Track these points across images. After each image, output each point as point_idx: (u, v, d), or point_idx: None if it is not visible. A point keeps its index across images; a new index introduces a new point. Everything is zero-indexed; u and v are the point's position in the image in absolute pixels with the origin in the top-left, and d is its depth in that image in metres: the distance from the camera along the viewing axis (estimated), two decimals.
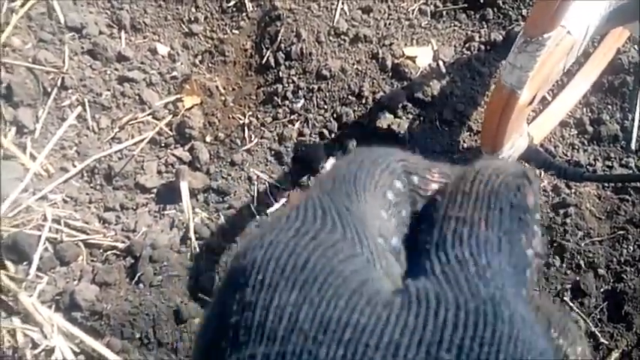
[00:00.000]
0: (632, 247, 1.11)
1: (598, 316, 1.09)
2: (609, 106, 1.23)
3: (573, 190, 1.17)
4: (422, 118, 1.24)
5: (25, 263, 1.13)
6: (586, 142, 1.22)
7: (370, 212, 0.20)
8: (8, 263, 1.12)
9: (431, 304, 0.17)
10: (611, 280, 1.10)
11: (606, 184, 1.17)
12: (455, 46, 1.32)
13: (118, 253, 1.15)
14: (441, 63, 1.29)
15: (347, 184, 0.20)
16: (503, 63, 1.27)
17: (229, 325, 0.17)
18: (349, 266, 0.18)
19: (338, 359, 0.16)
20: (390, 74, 1.28)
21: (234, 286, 0.18)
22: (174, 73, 1.33)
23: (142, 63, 1.34)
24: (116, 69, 1.33)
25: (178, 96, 1.31)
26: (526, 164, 1.19)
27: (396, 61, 1.28)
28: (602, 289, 1.10)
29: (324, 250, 0.18)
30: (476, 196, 0.20)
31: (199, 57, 1.36)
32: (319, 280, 0.17)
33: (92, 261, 1.15)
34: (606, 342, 1.06)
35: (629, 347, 1.06)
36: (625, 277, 1.09)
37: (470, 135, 1.24)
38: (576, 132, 1.23)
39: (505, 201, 0.20)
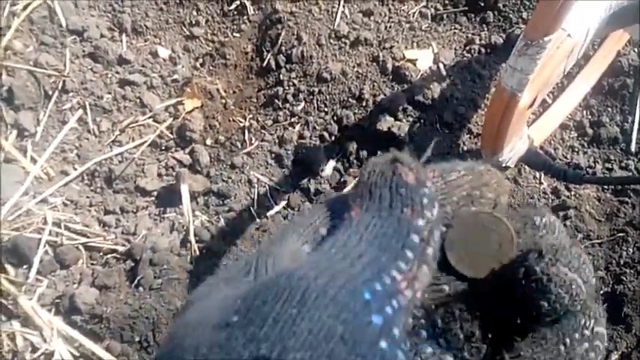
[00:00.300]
0: (631, 250, 1.12)
1: None
2: (609, 109, 1.24)
3: (573, 193, 1.18)
4: (422, 121, 1.25)
5: (25, 267, 1.14)
6: (586, 145, 1.23)
7: (289, 248, 0.23)
8: (8, 267, 1.13)
9: (242, 295, 0.20)
10: (611, 282, 1.11)
11: (606, 187, 1.18)
12: (455, 48, 1.33)
13: (118, 256, 1.16)
14: (441, 66, 1.30)
15: (282, 232, 0.24)
16: (503, 66, 1.28)
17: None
18: (220, 292, 0.22)
19: (167, 352, 0.20)
20: (391, 77, 1.29)
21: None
22: (175, 76, 1.34)
23: (143, 66, 1.35)
24: (117, 72, 1.34)
25: (179, 99, 1.32)
26: (526, 166, 1.20)
27: (396, 64, 1.30)
28: (601, 292, 1.10)
29: (217, 286, 0.23)
30: (360, 195, 0.23)
31: (200, 60, 1.37)
32: (196, 305, 0.22)
33: (92, 264, 1.16)
34: (605, 344, 1.07)
35: (629, 349, 1.07)
36: (624, 279, 1.10)
37: (470, 137, 1.25)
38: (576, 134, 1.24)
39: (383, 187, 0.22)
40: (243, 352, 0.18)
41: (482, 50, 1.32)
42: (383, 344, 0.19)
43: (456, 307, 0.23)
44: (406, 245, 0.21)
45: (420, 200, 0.22)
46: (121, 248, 1.16)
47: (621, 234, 1.14)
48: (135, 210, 1.21)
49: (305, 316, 0.19)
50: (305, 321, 0.19)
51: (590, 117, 1.25)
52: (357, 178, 0.24)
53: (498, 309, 0.23)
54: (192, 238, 1.17)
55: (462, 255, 0.24)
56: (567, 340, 0.23)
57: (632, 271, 1.11)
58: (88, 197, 1.23)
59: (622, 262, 1.13)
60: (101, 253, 1.16)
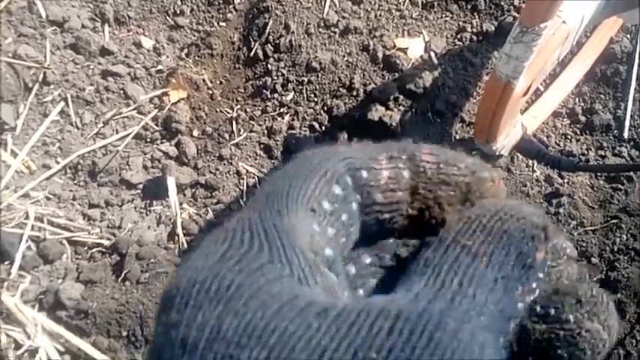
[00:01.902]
0: (625, 236, 1.17)
1: None
2: (602, 96, 1.29)
3: (566, 180, 1.22)
4: (414, 110, 1.29)
5: (6, 262, 1.16)
6: (579, 132, 1.27)
7: (301, 226, 0.20)
8: None
9: (371, 314, 0.17)
10: (605, 269, 1.15)
11: (599, 174, 1.22)
12: (447, 37, 1.37)
13: (103, 250, 1.18)
14: (432, 54, 1.34)
15: (278, 199, 0.20)
16: (496, 54, 1.32)
17: (155, 347, 0.18)
18: (277, 286, 0.18)
19: None
20: (381, 66, 1.32)
21: (162, 311, 0.19)
22: (160, 67, 1.37)
23: (127, 57, 1.37)
24: (99, 63, 1.36)
25: (164, 90, 1.35)
26: (519, 154, 1.24)
27: (387, 52, 1.33)
28: (595, 278, 1.14)
29: (249, 272, 0.18)
30: (489, 231, 0.20)
31: (185, 50, 1.40)
32: (245, 296, 0.18)
33: (77, 259, 1.18)
34: None
35: (622, 335, 1.11)
36: (618, 265, 1.14)
37: (462, 126, 1.29)
38: (569, 122, 1.29)
39: (515, 246, 0.20)
40: None
41: (474, 38, 1.36)
42: None
43: None
44: (502, 333, 0.20)
45: (532, 286, 0.21)
46: (106, 242, 1.18)
47: (615, 221, 1.19)
48: (120, 203, 1.24)
49: None
50: None
51: (582, 104, 1.29)
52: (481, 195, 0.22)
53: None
54: (179, 231, 1.19)
55: None
56: None
57: (625, 258, 1.16)
58: (71, 191, 1.25)
59: (616, 248, 1.17)
60: (86, 248, 1.18)
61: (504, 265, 0.20)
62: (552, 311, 0.21)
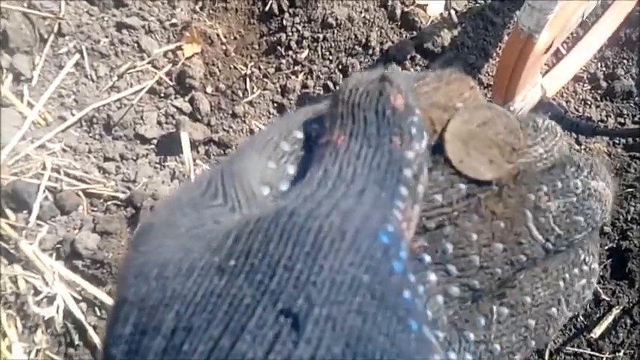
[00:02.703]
0: (639, 205, 1.17)
1: (601, 273, 1.15)
2: (625, 61, 1.26)
3: (583, 147, 1.22)
4: (431, 71, 1.28)
5: (24, 212, 1.20)
6: (599, 98, 1.26)
7: (253, 166, 0.21)
8: (8, 211, 1.19)
9: (232, 232, 0.19)
10: (617, 238, 1.16)
11: (617, 141, 1.22)
12: None
13: (118, 203, 1.22)
14: (452, 12, 1.32)
15: (239, 150, 0.23)
16: (518, 13, 1.30)
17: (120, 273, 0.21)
18: (196, 216, 0.20)
19: (140, 295, 0.18)
20: (399, 23, 1.31)
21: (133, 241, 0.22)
22: (174, 20, 1.37)
23: (141, 9, 1.38)
24: (114, 15, 1.37)
25: (178, 44, 1.36)
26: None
27: (405, 9, 1.32)
28: (606, 247, 1.16)
29: (181, 206, 0.21)
30: (341, 115, 0.21)
31: (200, 3, 1.40)
32: (163, 231, 0.20)
33: (92, 210, 1.22)
34: (608, 299, 1.13)
35: (630, 304, 1.13)
36: (630, 234, 1.15)
37: (480, 88, 1.28)
38: (589, 87, 1.27)
39: (368, 110, 0.21)
40: (253, 304, 0.16)
41: None
42: (406, 294, 0.18)
43: (471, 228, 0.22)
44: (401, 181, 0.20)
45: (409, 129, 0.21)
46: (121, 195, 1.22)
47: (630, 189, 1.19)
48: (135, 157, 1.27)
49: (323, 264, 0.17)
50: (325, 270, 0.17)
51: (604, 69, 1.27)
52: (332, 95, 0.22)
53: (518, 225, 0.22)
54: None
55: (462, 155, 0.22)
56: (567, 276, 0.23)
57: (638, 227, 1.16)
58: (86, 144, 1.28)
59: (629, 217, 1.18)
60: (101, 200, 1.22)
61: (367, 131, 0.21)
62: (560, 184, 0.22)
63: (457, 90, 0.24)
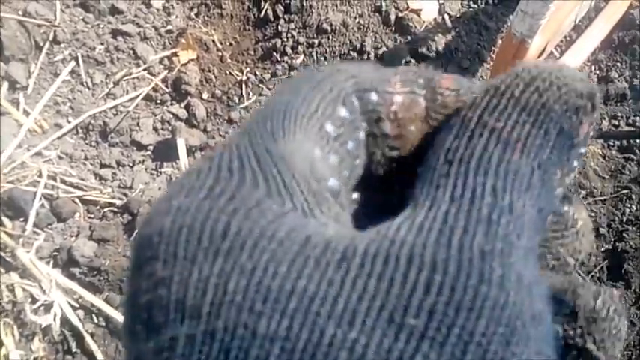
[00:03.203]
0: (634, 207, 1.18)
1: (597, 275, 1.16)
2: (618, 64, 1.28)
3: None
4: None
5: (21, 219, 1.21)
6: None
7: (299, 152, 0.17)
8: (5, 219, 1.20)
9: (400, 261, 0.15)
10: (612, 240, 1.17)
11: (611, 144, 1.23)
12: None
13: (115, 210, 1.23)
14: (446, 17, 1.34)
15: (274, 119, 0.17)
16: (511, 17, 1.31)
17: (141, 305, 0.16)
18: (282, 227, 0.15)
19: (282, 332, 0.14)
20: (394, 29, 1.32)
21: (141, 261, 0.16)
22: (169, 27, 1.38)
23: (136, 16, 1.39)
24: (109, 22, 1.38)
25: (174, 50, 1.37)
26: None
27: (400, 14, 1.33)
28: (602, 248, 1.17)
29: (246, 211, 0.16)
30: (523, 106, 0.17)
31: (195, 10, 1.41)
32: (248, 245, 0.15)
33: (89, 217, 1.23)
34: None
35: (628, 305, 1.14)
36: (626, 236, 1.16)
37: None
38: None
39: (555, 123, 0.17)
40: None
41: (490, 1, 1.35)
42: None
43: None
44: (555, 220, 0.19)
45: (571, 166, 0.18)
46: (117, 202, 1.22)
47: (625, 191, 1.20)
48: (131, 164, 1.27)
49: (516, 352, 0.15)
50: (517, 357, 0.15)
51: (598, 72, 1.29)
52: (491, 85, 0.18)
53: None
54: None
55: None
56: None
57: (634, 229, 1.18)
58: (83, 151, 1.28)
59: (624, 219, 1.19)
60: (98, 207, 1.23)
61: (542, 150, 0.17)
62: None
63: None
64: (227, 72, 1.36)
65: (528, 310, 0.15)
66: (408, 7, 1.35)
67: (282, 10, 1.35)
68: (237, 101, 1.33)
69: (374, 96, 0.18)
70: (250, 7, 1.39)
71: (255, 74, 1.35)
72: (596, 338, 0.19)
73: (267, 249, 0.15)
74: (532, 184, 0.16)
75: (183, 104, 1.33)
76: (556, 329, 0.18)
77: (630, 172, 1.21)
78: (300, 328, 0.14)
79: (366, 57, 1.31)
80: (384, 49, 1.31)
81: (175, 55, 1.37)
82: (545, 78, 0.17)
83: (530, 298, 0.15)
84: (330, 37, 1.33)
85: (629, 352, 1.12)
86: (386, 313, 0.14)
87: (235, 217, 0.16)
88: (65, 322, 1.13)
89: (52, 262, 1.19)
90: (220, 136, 1.31)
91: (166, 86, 1.35)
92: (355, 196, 0.19)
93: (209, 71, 1.36)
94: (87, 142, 1.30)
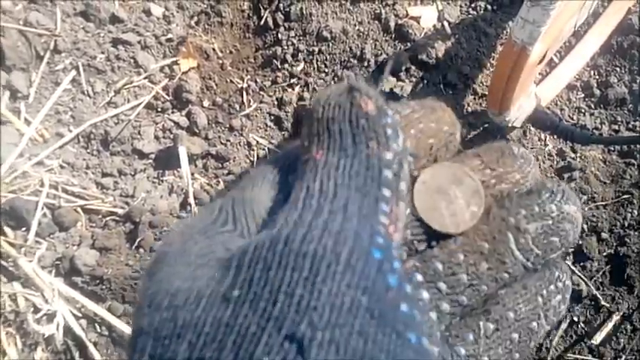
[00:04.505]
0: (636, 212, 1.19)
1: (600, 280, 1.17)
2: (617, 69, 1.29)
3: (579, 155, 1.24)
4: (425, 82, 1.31)
5: (23, 229, 1.21)
6: (592, 106, 1.28)
7: (262, 195, 0.23)
8: (6, 229, 1.20)
9: (233, 260, 0.20)
10: (614, 244, 1.18)
11: (612, 148, 1.24)
12: (460, 5, 1.37)
13: (117, 218, 1.23)
14: (445, 24, 1.35)
15: (245, 179, 0.24)
16: (510, 24, 1.32)
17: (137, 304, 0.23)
18: (208, 240, 0.21)
19: (154, 324, 0.19)
20: (393, 35, 1.33)
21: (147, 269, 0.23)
22: (170, 36, 1.39)
23: (136, 25, 1.40)
24: (110, 31, 1.39)
25: (174, 59, 1.37)
26: (531, 127, 1.26)
27: (399, 21, 1.34)
28: (604, 253, 1.17)
29: (199, 237, 0.22)
30: (317, 132, 0.22)
31: (195, 18, 1.42)
32: (169, 261, 0.21)
33: (91, 226, 1.23)
34: (607, 305, 1.15)
35: (630, 310, 1.15)
36: (628, 240, 1.17)
37: (475, 98, 1.31)
38: (583, 95, 1.30)
39: (342, 122, 0.22)
40: (258, 332, 0.17)
41: (489, 7, 1.36)
42: (404, 307, 0.19)
43: (458, 250, 0.24)
44: (382, 183, 0.21)
45: (384, 131, 0.22)
46: (119, 211, 1.23)
47: (626, 196, 1.21)
48: (133, 172, 1.28)
49: (322, 288, 0.18)
50: (324, 294, 0.18)
51: (597, 77, 1.30)
52: (306, 114, 0.23)
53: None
54: (191, 200, 1.24)
55: (437, 217, 0.24)
56: (544, 292, 0.25)
57: (636, 233, 1.18)
58: (84, 159, 1.29)
59: (626, 224, 1.19)
60: (100, 216, 1.23)
61: (343, 143, 0.21)
62: (537, 208, 0.24)
63: (442, 119, 0.26)
64: (228, 80, 1.37)
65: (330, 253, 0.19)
66: (407, 14, 1.36)
67: (282, 17, 1.36)
68: (238, 109, 1.34)
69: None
70: (250, 15, 1.40)
71: (256, 82, 1.36)
72: (572, 200, 0.25)
73: (178, 262, 0.21)
74: (339, 166, 0.22)
75: (184, 112, 1.34)
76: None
77: (631, 176, 1.22)
78: (169, 319, 0.19)
79: (366, 64, 1.32)
80: (384, 55, 1.32)
81: (176, 63, 1.38)
82: (316, 108, 0.23)
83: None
84: (330, 44, 1.34)
85: (634, 357, 1.12)
86: (221, 290, 0.19)
87: (188, 241, 0.22)
88: (68, 331, 1.13)
89: (54, 271, 1.19)
90: (222, 143, 1.32)
91: (167, 94, 1.36)
92: None
93: (210, 79, 1.37)
94: (88, 150, 1.31)
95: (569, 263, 1.17)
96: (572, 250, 1.18)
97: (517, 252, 0.24)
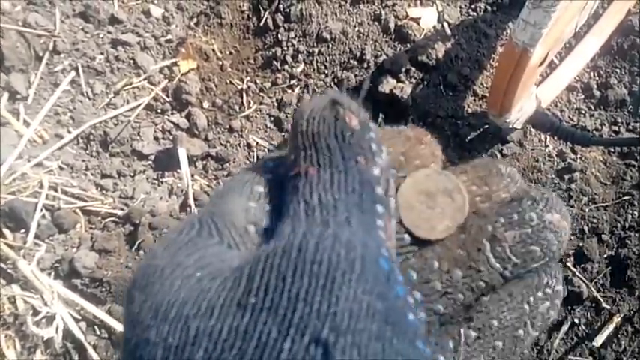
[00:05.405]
0: (636, 213, 1.19)
1: (600, 282, 1.17)
2: (617, 70, 1.29)
3: (579, 156, 1.24)
4: (426, 83, 1.30)
5: (22, 231, 1.21)
6: (593, 107, 1.28)
7: (237, 207, 0.23)
8: (5, 231, 1.20)
9: (244, 270, 0.20)
10: (615, 246, 1.18)
11: (612, 150, 1.24)
12: (460, 6, 1.37)
13: (116, 220, 1.23)
14: (445, 25, 1.35)
15: (219, 192, 0.25)
16: (510, 25, 1.32)
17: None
18: (199, 252, 0.21)
19: (163, 335, 0.19)
20: (393, 37, 1.33)
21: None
22: (169, 37, 1.39)
23: (136, 26, 1.39)
24: (109, 32, 1.38)
25: (174, 60, 1.37)
26: (532, 129, 1.26)
27: (399, 22, 1.34)
28: (605, 255, 1.17)
29: (183, 251, 0.22)
30: (303, 147, 0.22)
31: (194, 19, 1.42)
32: (166, 273, 0.21)
33: (91, 228, 1.23)
34: (608, 307, 1.15)
35: (631, 312, 1.14)
36: (629, 242, 1.17)
37: (475, 100, 1.30)
38: (583, 96, 1.29)
39: (329, 137, 0.22)
40: (280, 338, 0.17)
41: (489, 8, 1.36)
42: (410, 316, 0.20)
43: (433, 257, 0.24)
44: (376, 201, 0.22)
45: (369, 146, 0.22)
46: (119, 212, 1.22)
47: (627, 197, 1.21)
48: (132, 174, 1.28)
49: (340, 295, 0.18)
50: (342, 300, 0.18)
51: (597, 78, 1.30)
52: (290, 127, 0.24)
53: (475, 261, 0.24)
54: (191, 202, 1.23)
55: (412, 216, 0.24)
56: (531, 299, 0.24)
57: (636, 235, 1.18)
58: (84, 161, 1.29)
59: (627, 225, 1.19)
60: (99, 217, 1.23)
61: (333, 158, 0.22)
62: (516, 216, 0.24)
63: (416, 144, 0.26)
64: (227, 81, 1.37)
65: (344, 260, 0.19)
66: (407, 16, 1.35)
67: (282, 19, 1.36)
68: (237, 110, 1.34)
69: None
70: (250, 16, 1.40)
71: (256, 83, 1.36)
72: (556, 208, 0.25)
73: (176, 275, 0.21)
74: (334, 181, 0.22)
75: (183, 113, 1.34)
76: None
77: (632, 177, 1.22)
78: (176, 330, 0.19)
79: (366, 65, 1.32)
80: (384, 57, 1.32)
81: (175, 64, 1.37)
82: (300, 121, 0.23)
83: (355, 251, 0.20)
84: (330, 45, 1.33)
85: (635, 359, 1.12)
86: (235, 298, 0.19)
87: (178, 253, 0.22)
88: (67, 334, 1.13)
89: (53, 273, 1.18)
90: (221, 144, 1.31)
91: (167, 96, 1.35)
92: None
93: (209, 80, 1.37)
94: (88, 152, 1.30)
95: (570, 265, 1.17)
96: (573, 251, 1.18)
97: (493, 260, 0.24)
